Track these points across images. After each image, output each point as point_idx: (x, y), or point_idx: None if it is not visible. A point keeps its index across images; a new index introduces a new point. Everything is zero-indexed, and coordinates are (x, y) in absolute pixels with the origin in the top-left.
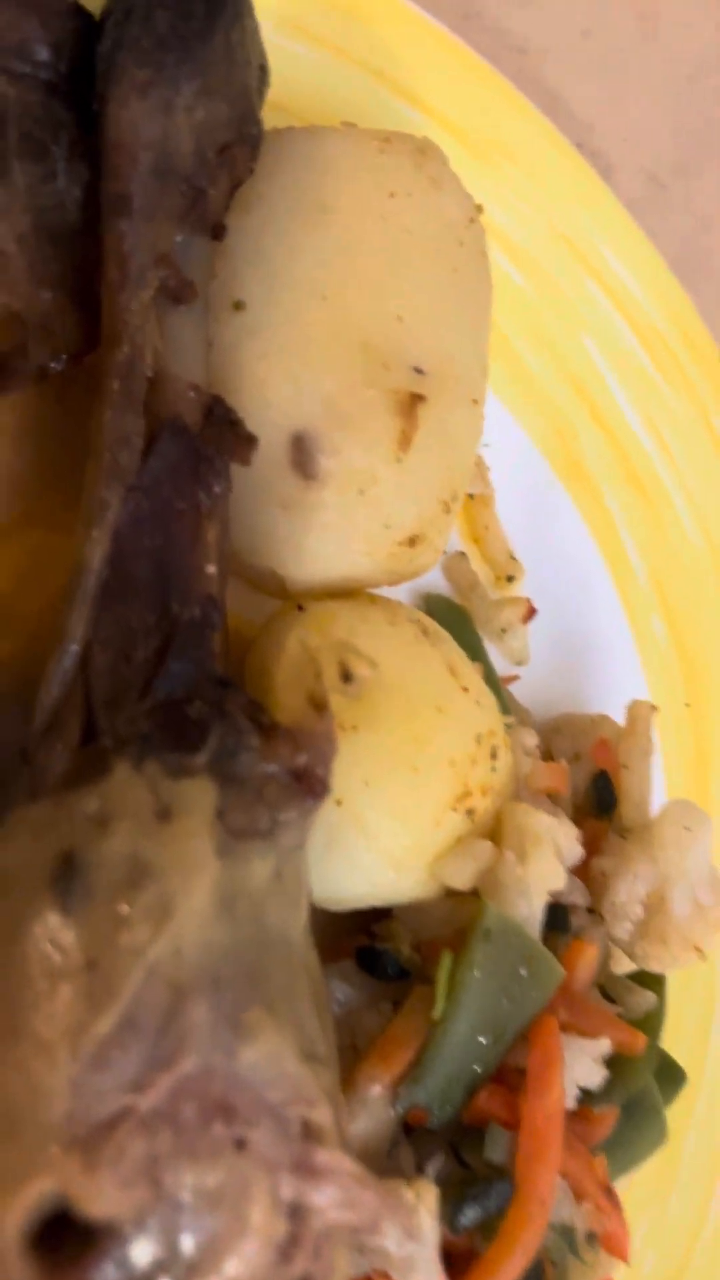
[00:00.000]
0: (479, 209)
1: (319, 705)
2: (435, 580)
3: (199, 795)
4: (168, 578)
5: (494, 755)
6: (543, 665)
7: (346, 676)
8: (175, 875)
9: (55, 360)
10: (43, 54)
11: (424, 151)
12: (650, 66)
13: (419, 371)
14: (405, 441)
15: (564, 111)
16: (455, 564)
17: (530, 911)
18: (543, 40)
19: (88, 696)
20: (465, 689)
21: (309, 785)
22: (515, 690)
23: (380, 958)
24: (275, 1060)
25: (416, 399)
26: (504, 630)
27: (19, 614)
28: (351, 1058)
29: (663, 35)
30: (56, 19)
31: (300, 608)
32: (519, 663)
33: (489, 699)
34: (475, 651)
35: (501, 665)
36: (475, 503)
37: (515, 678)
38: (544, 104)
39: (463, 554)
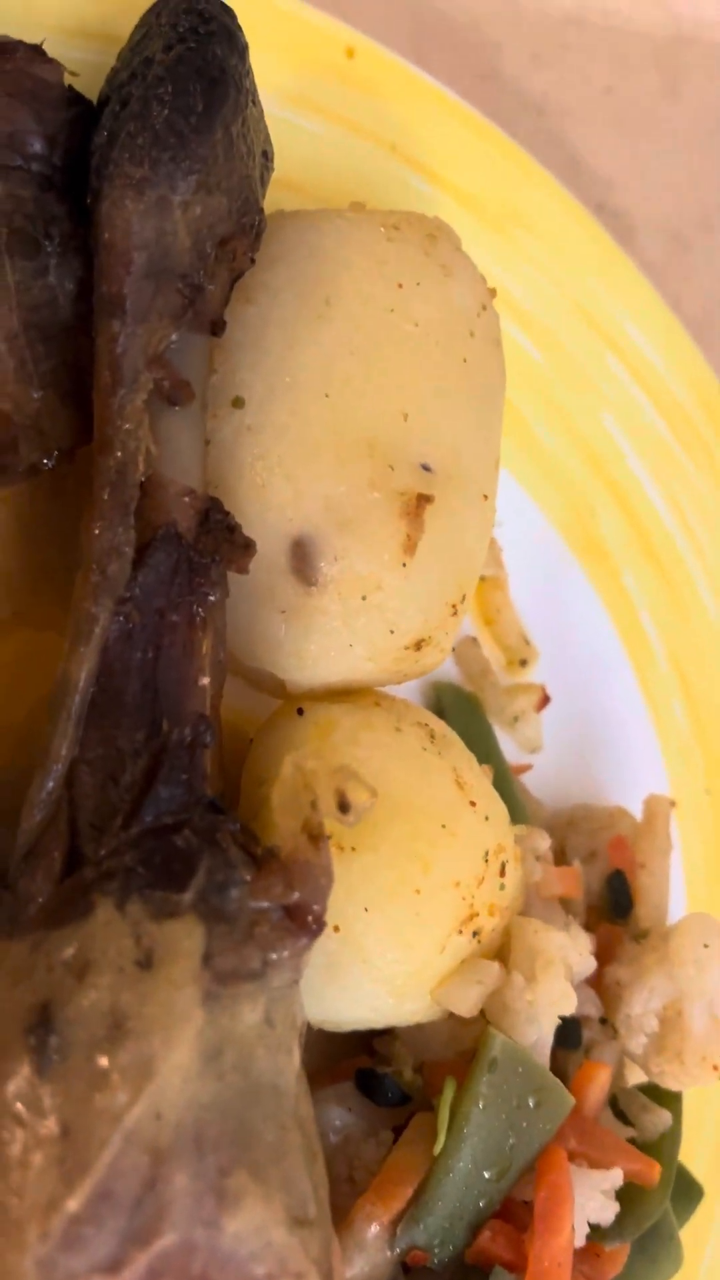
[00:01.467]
0: (492, 293)
1: (315, 836)
2: (445, 666)
3: (184, 938)
4: (158, 694)
5: (503, 872)
6: (557, 753)
7: (344, 806)
8: (157, 1031)
9: (46, 457)
10: (35, 146)
11: (434, 236)
12: (672, 123)
13: (426, 469)
14: (411, 546)
15: (585, 171)
16: (466, 649)
17: (539, 1036)
18: (562, 99)
19: (72, 820)
20: (473, 803)
21: (303, 922)
22: (528, 780)
23: (380, 1082)
24: (261, 1230)
25: (423, 500)
26: (516, 718)
27: (6, 721)
28: (348, 1191)
29: (685, 91)
30: (50, 109)
31: (300, 711)
32: (532, 750)
33: (499, 810)
34: (486, 743)
35: (513, 753)
36: (487, 585)
37: (528, 767)
38: (564, 165)
39: (474, 639)
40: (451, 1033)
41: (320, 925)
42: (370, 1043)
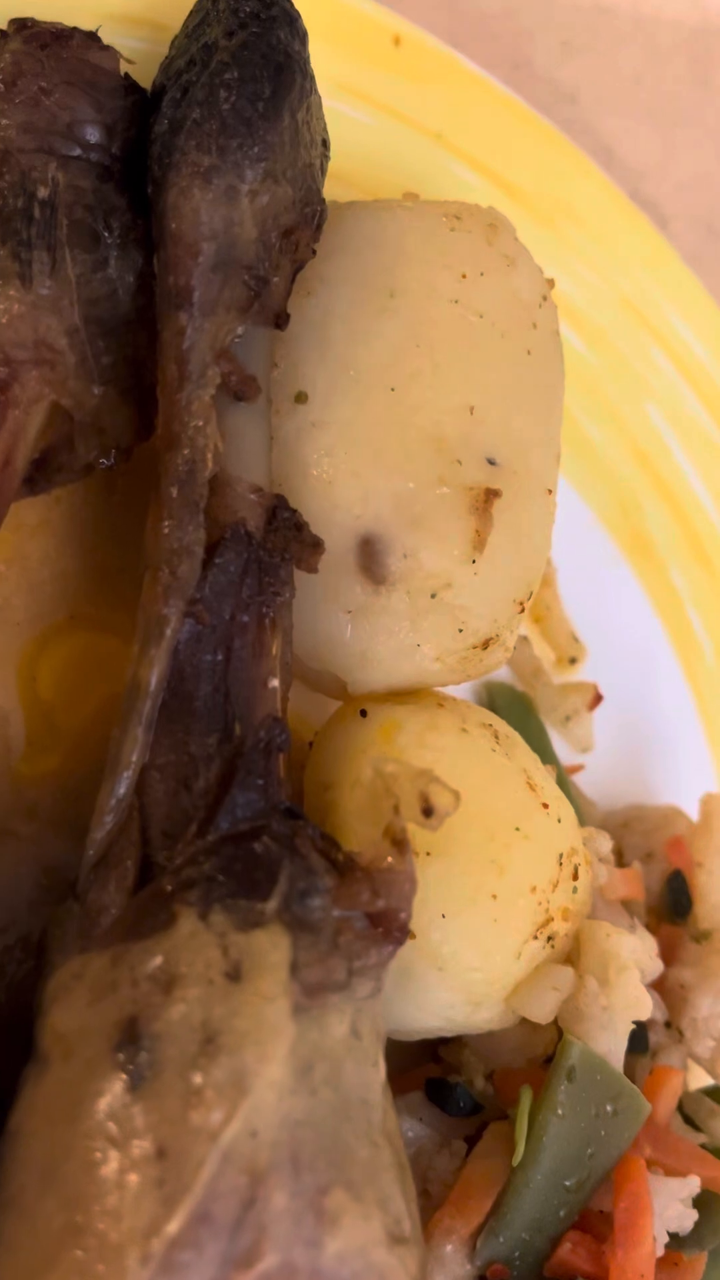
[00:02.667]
0: (550, 284)
1: (399, 842)
2: None
3: (271, 949)
4: (229, 697)
5: (575, 875)
6: (608, 753)
7: (428, 810)
8: (250, 1046)
9: (104, 456)
10: (94, 136)
11: (495, 226)
12: (703, 112)
13: (492, 464)
14: (480, 542)
15: (616, 161)
16: (518, 649)
17: (614, 1042)
18: (593, 89)
19: (144, 829)
20: (545, 805)
21: (388, 930)
22: (580, 781)
23: (452, 1091)
24: (362, 1250)
25: (491, 495)
26: (569, 718)
27: (66, 725)
28: (424, 1205)
29: (715, 80)
30: (109, 98)
31: (363, 713)
32: (584, 750)
33: (569, 812)
34: (541, 743)
35: (564, 754)
36: None
37: (580, 767)
38: (597, 154)
39: (525, 638)
40: (522, 1040)
41: (405, 933)
42: (436, 1051)
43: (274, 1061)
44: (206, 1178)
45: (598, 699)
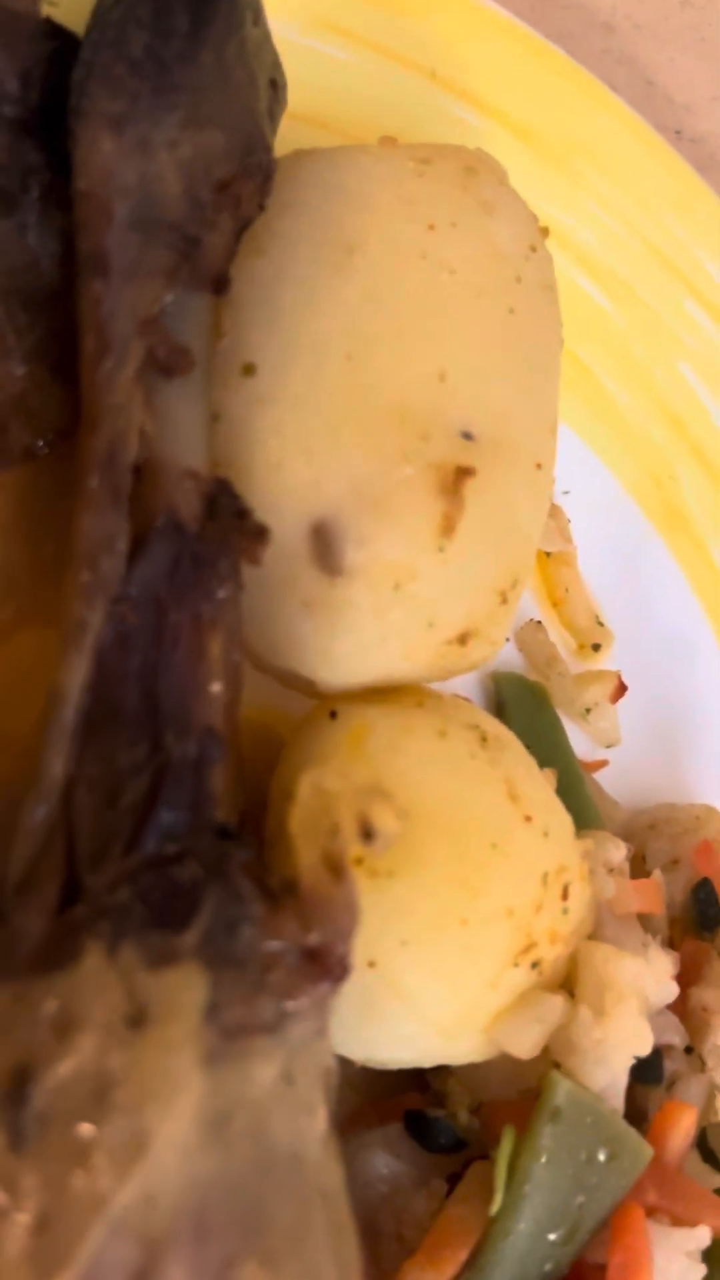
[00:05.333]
0: (544, 232)
1: (336, 869)
2: (507, 654)
3: (183, 990)
4: (160, 704)
5: (565, 895)
6: (635, 747)
7: (368, 833)
8: (149, 1102)
9: (41, 440)
10: (8, 85)
11: (473, 169)
12: None
13: (468, 437)
14: (449, 527)
15: (659, 94)
16: (530, 635)
17: (611, 1079)
18: (633, 14)
19: (70, 846)
20: (528, 817)
21: (324, 966)
22: (603, 778)
23: (432, 1126)
24: None
25: (464, 474)
26: (589, 710)
27: (11, 730)
28: (396, 1250)
29: None
30: (24, 43)
31: (333, 714)
32: (607, 745)
33: (560, 823)
34: (553, 739)
35: (586, 748)
36: (554, 561)
37: (603, 763)
38: (636, 87)
39: (538, 623)
40: (513, 1070)
41: (345, 969)
42: (422, 1075)
43: (177, 1118)
44: (90, 1251)
45: (621, 689)
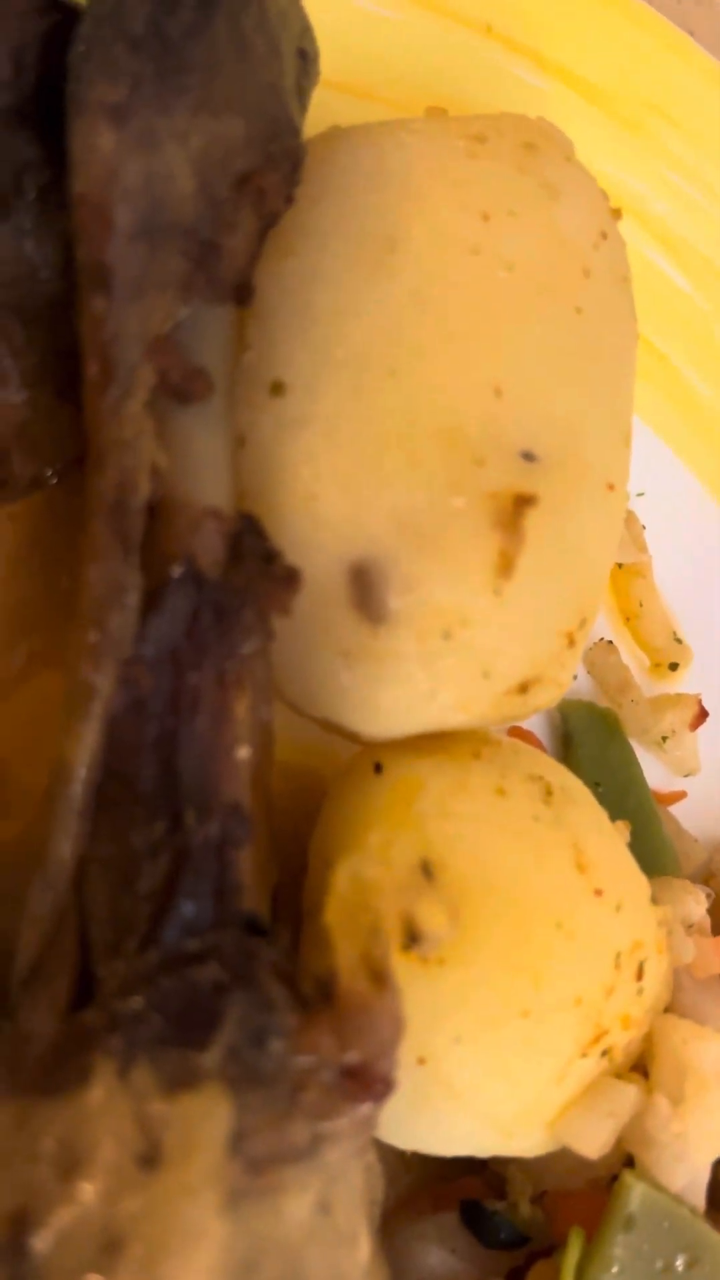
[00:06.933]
0: (616, 214)
1: (378, 976)
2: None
3: (204, 1118)
4: (179, 777)
5: (640, 974)
6: (717, 776)
7: (414, 936)
8: (166, 1257)
9: (49, 468)
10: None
11: (533, 145)
12: None
13: (529, 459)
14: (507, 565)
15: None
16: (600, 656)
17: (692, 1177)
18: None
19: (83, 933)
20: (598, 891)
21: (365, 1085)
22: (680, 811)
23: (490, 1219)
24: None
25: (523, 503)
26: (665, 738)
27: (27, 785)
28: None
29: None
30: (16, 21)
31: (378, 767)
32: (686, 774)
33: (635, 892)
34: (626, 773)
35: (661, 778)
36: (626, 572)
37: (680, 795)
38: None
39: (609, 643)
40: (581, 1157)
41: (389, 1087)
42: (480, 1161)
43: (197, 1273)
44: None
45: (702, 715)
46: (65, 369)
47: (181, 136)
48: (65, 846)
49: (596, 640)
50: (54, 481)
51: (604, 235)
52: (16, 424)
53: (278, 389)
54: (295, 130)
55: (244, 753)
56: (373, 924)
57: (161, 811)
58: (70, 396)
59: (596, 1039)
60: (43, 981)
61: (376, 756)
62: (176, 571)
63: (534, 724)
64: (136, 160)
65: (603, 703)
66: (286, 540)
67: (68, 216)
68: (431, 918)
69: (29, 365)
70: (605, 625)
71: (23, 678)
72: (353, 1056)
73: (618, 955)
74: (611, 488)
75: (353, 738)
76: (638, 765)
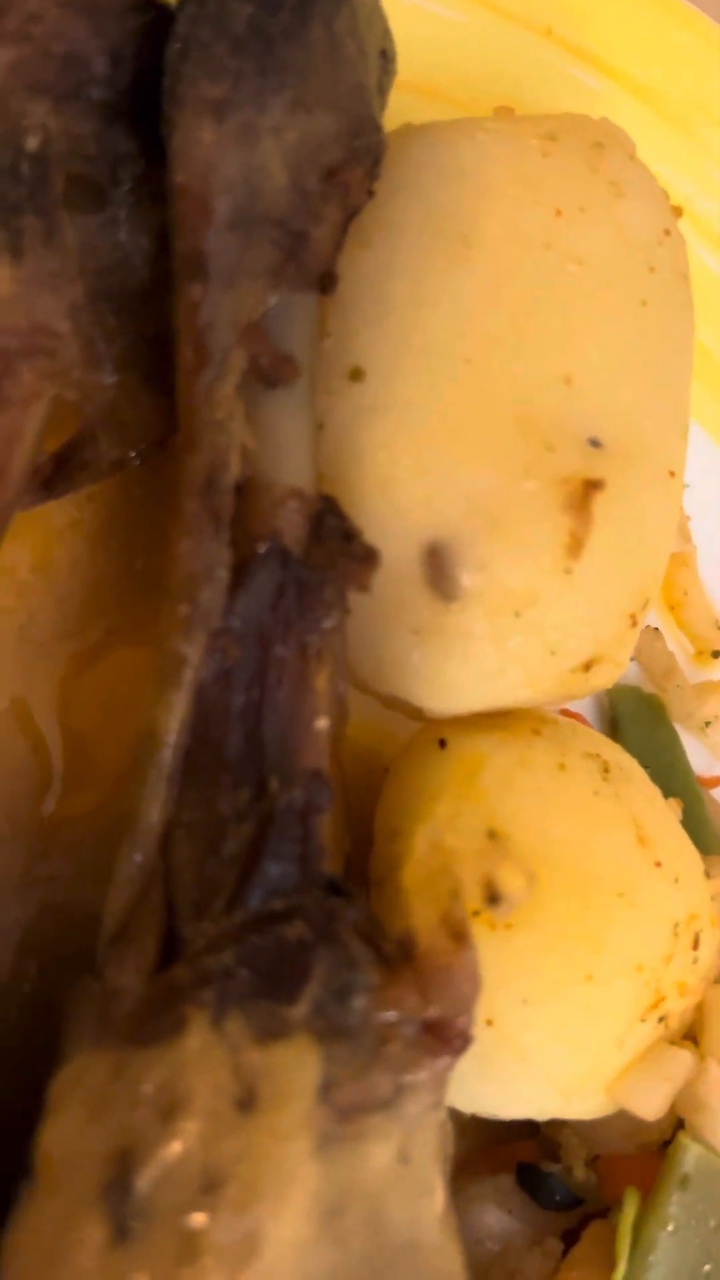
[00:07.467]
0: (677, 212)
1: (458, 935)
2: None
3: (295, 1067)
4: (264, 745)
5: (696, 944)
6: None
7: (494, 897)
8: (262, 1197)
9: (132, 451)
10: (96, 66)
11: (601, 145)
12: None
13: (595, 445)
14: (576, 547)
15: None
16: (646, 643)
17: None
18: None
19: (170, 896)
20: (658, 863)
21: (444, 1039)
22: None
23: (545, 1181)
24: None
25: (592, 487)
26: (709, 723)
27: (103, 758)
28: None
29: None
30: (114, 19)
31: (442, 743)
32: None
33: (690, 865)
34: (671, 756)
35: (704, 762)
36: (671, 562)
37: None
38: None
39: (655, 629)
40: (634, 1123)
41: (467, 1041)
42: (534, 1122)
43: (290, 1214)
44: None
45: None
46: (152, 355)
47: (277, 131)
48: (154, 811)
49: (643, 627)
50: (135, 464)
51: (667, 232)
52: (105, 406)
53: (356, 375)
54: (378, 127)
55: (323, 724)
56: (453, 887)
57: (247, 778)
58: (155, 381)
59: (655, 1005)
60: (130, 942)
61: (440, 733)
62: (262, 548)
63: (582, 707)
64: (235, 153)
65: (648, 688)
66: (363, 521)
67: (159, 207)
68: (511, 879)
69: (120, 350)
70: (651, 613)
71: (99, 655)
72: (433, 1012)
73: (675, 925)
74: (671, 475)
75: (416, 715)
76: (682, 749)
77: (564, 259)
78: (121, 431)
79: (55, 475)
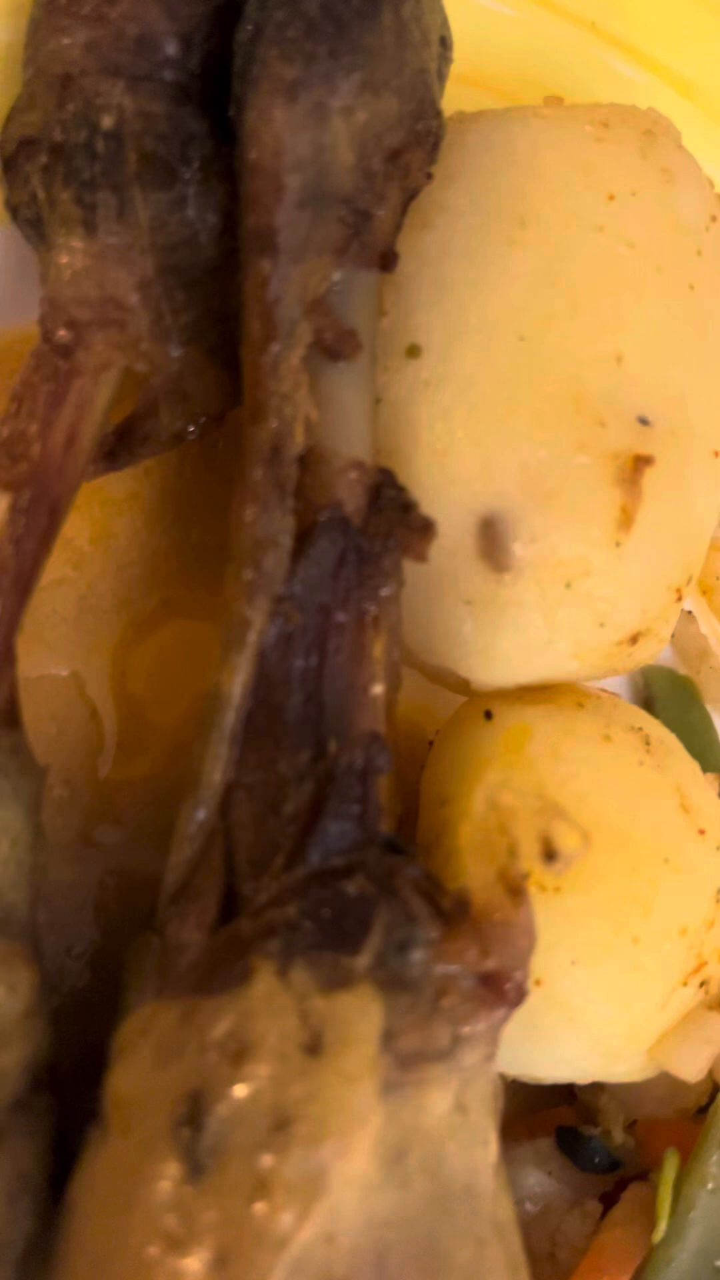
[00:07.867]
0: None
1: (515, 890)
2: None
3: (359, 1015)
4: (324, 708)
5: None
6: None
7: (550, 854)
8: (329, 1135)
9: (192, 424)
10: (168, 49)
11: (652, 133)
12: None
13: (645, 423)
14: (627, 520)
15: None
16: (681, 626)
17: None
18: None
19: (229, 855)
20: (701, 830)
21: (500, 991)
22: None
23: (585, 1144)
24: None
25: (642, 463)
26: None
27: (158, 724)
28: (550, 1272)
29: None
30: (184, 4)
31: (488, 714)
32: None
33: None
34: (705, 737)
35: None
36: None
37: None
38: None
39: (689, 613)
40: (670, 1088)
41: (522, 995)
42: (572, 1089)
43: (356, 1154)
44: None
45: None
46: (216, 329)
47: (347, 112)
48: (217, 771)
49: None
50: (194, 437)
51: (714, 218)
52: (171, 377)
53: (413, 352)
54: (438, 111)
55: (379, 689)
56: (511, 844)
57: (307, 740)
58: (218, 356)
59: (697, 969)
60: (192, 899)
61: (486, 705)
62: (324, 517)
63: (616, 687)
64: (306, 133)
65: (682, 670)
66: (418, 493)
67: (226, 186)
68: (567, 836)
69: (186, 324)
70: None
71: (156, 624)
72: (490, 964)
73: (718, 891)
74: (716, 455)
75: (462, 688)
76: (715, 729)
77: (616, 241)
78: (184, 404)
79: (118, 446)
